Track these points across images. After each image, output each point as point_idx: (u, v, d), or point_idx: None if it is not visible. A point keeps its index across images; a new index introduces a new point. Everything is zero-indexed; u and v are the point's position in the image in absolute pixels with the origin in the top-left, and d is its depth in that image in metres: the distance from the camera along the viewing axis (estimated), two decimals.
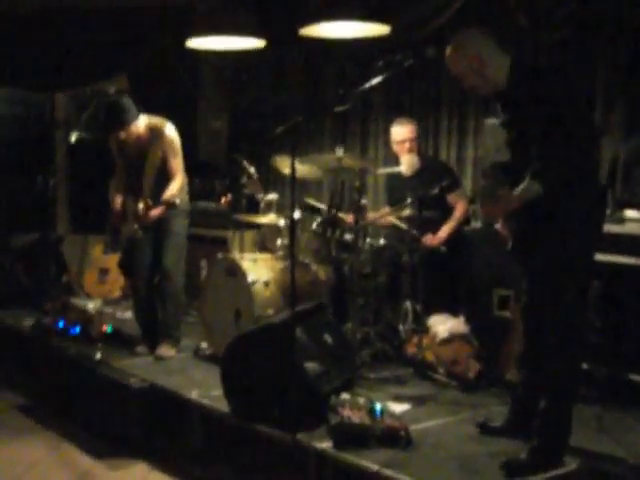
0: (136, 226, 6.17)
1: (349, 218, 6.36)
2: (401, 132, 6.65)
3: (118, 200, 6.39)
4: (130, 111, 6.08)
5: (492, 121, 4.53)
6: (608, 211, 5.44)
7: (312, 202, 6.75)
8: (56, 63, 8.94)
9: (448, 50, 4.32)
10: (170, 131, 6.25)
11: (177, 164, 6.25)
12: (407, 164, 6.62)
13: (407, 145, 6.63)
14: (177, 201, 6.04)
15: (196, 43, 6.51)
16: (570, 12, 5.86)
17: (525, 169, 4.11)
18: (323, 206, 6.61)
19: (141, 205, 6.01)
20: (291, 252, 4.86)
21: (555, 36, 5.77)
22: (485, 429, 4.67)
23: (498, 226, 4.56)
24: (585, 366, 5.23)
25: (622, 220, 5.24)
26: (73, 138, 8.17)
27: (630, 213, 5.26)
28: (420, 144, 6.75)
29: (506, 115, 4.32)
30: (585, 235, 4.15)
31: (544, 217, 4.12)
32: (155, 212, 6.07)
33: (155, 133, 6.21)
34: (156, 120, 6.28)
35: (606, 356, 5.23)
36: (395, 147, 6.75)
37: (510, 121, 4.30)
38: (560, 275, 4.14)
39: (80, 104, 9.22)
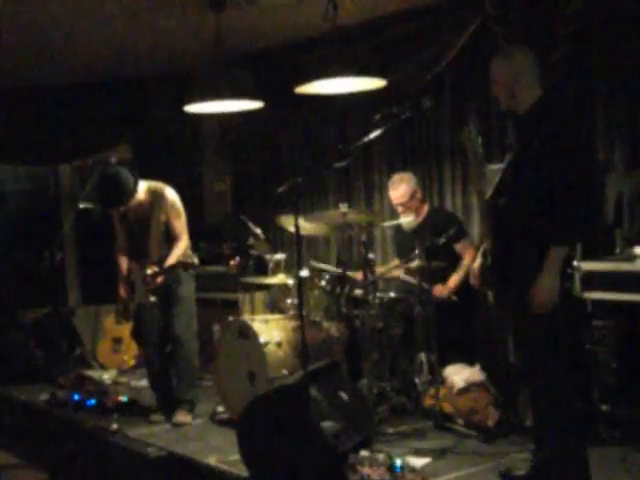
0: (146, 292, 6.16)
1: (358, 274, 6.35)
2: (393, 195, 6.65)
3: (124, 267, 6.40)
4: (128, 185, 6.07)
5: (494, 167, 4.52)
6: (617, 249, 5.44)
7: (318, 264, 6.77)
8: (58, 136, 9.01)
9: (497, 56, 4.42)
10: (170, 193, 6.27)
11: (181, 225, 6.27)
12: (405, 222, 6.64)
13: (400, 208, 6.64)
14: (195, 260, 6.10)
15: (195, 108, 6.54)
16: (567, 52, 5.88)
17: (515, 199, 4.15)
18: (329, 267, 6.64)
19: (149, 270, 6.01)
20: (300, 311, 4.83)
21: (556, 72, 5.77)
22: (508, 478, 4.61)
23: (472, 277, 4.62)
24: (605, 407, 5.19)
25: (632, 258, 5.20)
26: (81, 206, 8.18)
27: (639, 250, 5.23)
28: (423, 196, 6.73)
29: (514, 140, 4.36)
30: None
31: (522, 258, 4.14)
32: (164, 277, 6.09)
33: (156, 197, 6.23)
34: (156, 184, 6.30)
35: (626, 396, 5.17)
36: (392, 204, 6.79)
37: (516, 148, 4.33)
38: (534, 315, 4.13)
39: (84, 175, 9.28)
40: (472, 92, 6.64)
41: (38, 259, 8.08)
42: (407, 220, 6.61)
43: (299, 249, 4.83)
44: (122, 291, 6.38)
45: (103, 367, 8.35)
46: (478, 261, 4.54)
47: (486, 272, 4.41)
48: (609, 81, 5.86)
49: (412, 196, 6.59)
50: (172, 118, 8.69)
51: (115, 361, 8.43)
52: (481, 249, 4.53)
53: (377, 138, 5.55)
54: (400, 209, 6.66)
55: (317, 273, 6.42)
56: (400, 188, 6.60)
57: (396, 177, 6.70)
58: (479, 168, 4.46)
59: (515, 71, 4.27)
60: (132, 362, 8.38)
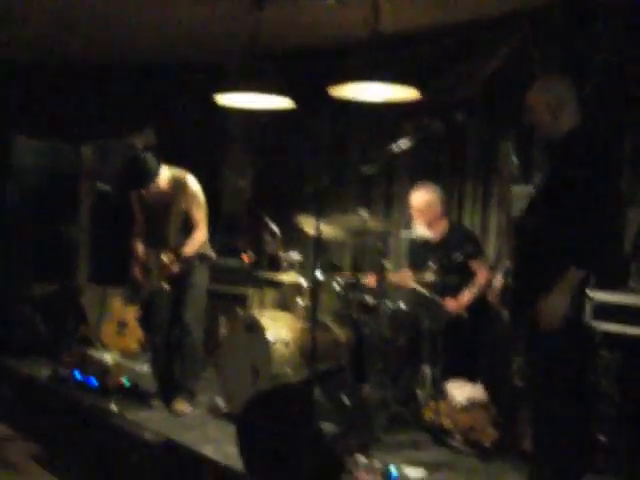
0: (160, 278, 6.18)
1: (370, 279, 6.35)
2: (413, 201, 6.61)
3: (140, 251, 6.42)
4: (151, 169, 6.11)
5: (519, 188, 4.54)
6: (631, 282, 5.44)
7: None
8: (84, 115, 9.03)
9: (540, 81, 4.45)
10: (193, 183, 6.28)
11: (201, 216, 6.29)
12: (422, 236, 6.62)
13: (417, 215, 6.61)
14: (213, 254, 6.12)
15: (224, 100, 6.55)
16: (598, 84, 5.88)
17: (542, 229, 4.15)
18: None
19: (165, 257, 6.04)
20: (314, 312, 4.85)
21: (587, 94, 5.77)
22: None
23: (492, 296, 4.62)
24: (604, 438, 5.18)
25: None
26: (98, 186, 8.21)
27: None
28: (444, 210, 6.71)
29: (547, 164, 4.37)
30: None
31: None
32: (180, 265, 6.13)
33: (178, 185, 6.24)
34: (179, 172, 6.31)
35: (624, 428, 5.17)
36: (411, 212, 6.75)
37: (548, 171, 4.34)
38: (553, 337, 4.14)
39: (106, 156, 9.28)
40: (503, 112, 6.63)
41: (53, 235, 8.09)
42: (424, 233, 6.60)
43: (317, 251, 4.85)
44: (136, 273, 6.40)
45: (106, 348, 8.35)
46: (499, 279, 4.54)
47: (507, 291, 4.41)
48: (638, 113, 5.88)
49: (431, 206, 6.56)
50: (199, 107, 8.70)
51: (118, 344, 8.39)
52: (503, 267, 4.54)
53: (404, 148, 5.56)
54: (417, 215, 6.61)
55: (331, 276, 6.42)
56: (421, 195, 6.58)
57: (421, 185, 6.68)
58: (509, 188, 4.47)
59: (558, 96, 4.27)
60: (135, 346, 8.35)
